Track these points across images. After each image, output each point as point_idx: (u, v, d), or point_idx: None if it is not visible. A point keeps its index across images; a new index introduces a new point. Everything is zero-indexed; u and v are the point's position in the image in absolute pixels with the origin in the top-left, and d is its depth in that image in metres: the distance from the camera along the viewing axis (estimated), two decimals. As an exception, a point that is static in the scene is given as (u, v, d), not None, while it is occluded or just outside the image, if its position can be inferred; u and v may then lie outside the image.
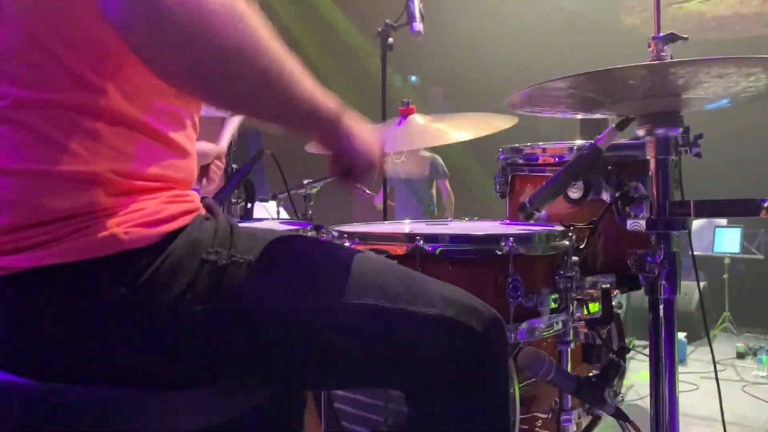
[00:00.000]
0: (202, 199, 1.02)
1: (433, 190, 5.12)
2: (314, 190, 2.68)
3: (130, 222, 0.84)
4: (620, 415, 1.50)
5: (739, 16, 1.34)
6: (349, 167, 0.99)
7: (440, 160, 4.98)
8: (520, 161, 1.84)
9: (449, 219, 2.02)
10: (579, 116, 1.46)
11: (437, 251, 1.37)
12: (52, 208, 0.81)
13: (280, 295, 0.89)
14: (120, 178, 0.85)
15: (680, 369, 1.45)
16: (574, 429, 1.57)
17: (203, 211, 0.97)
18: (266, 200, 2.99)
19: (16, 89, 0.82)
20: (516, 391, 1.39)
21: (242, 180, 2.04)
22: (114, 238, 0.82)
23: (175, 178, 0.93)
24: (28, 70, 0.83)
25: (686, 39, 1.24)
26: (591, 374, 1.50)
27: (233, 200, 2.18)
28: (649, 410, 1.24)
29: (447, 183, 5.04)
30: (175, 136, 0.93)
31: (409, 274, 0.99)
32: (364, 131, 0.99)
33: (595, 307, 1.61)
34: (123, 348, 0.84)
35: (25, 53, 0.82)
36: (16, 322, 0.82)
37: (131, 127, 0.86)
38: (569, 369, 1.52)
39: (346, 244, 1.47)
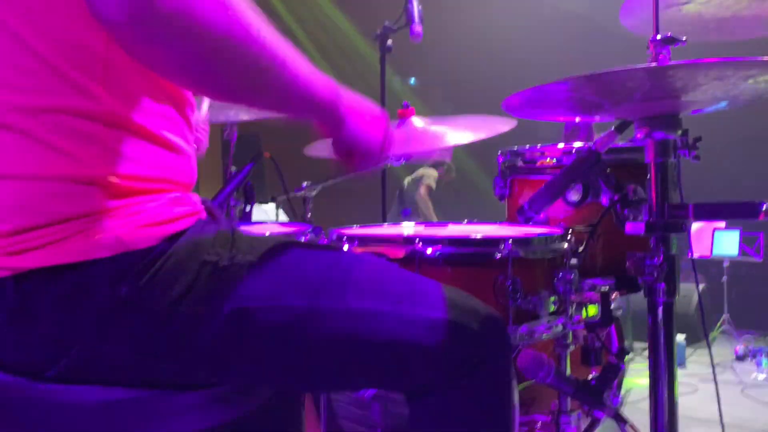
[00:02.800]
0: (203, 201, 1.02)
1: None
2: (313, 193, 2.68)
3: (131, 224, 0.84)
4: (619, 418, 1.50)
5: (738, 18, 1.34)
6: (350, 150, 0.99)
7: (430, 174, 5.16)
8: (520, 163, 1.84)
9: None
10: (578, 119, 1.46)
11: (436, 254, 1.37)
12: (53, 211, 0.82)
13: (281, 298, 0.89)
14: (119, 180, 0.85)
15: (679, 371, 1.45)
16: (574, 431, 1.57)
17: (203, 215, 0.97)
18: (265, 203, 2.99)
19: (11, 95, 0.82)
20: (515, 393, 1.39)
21: (241, 182, 2.04)
22: (115, 240, 0.82)
23: (174, 180, 0.93)
24: (22, 77, 0.82)
25: (684, 42, 1.24)
26: (590, 376, 1.50)
27: (232, 203, 2.18)
28: (648, 413, 1.24)
29: (425, 188, 5.22)
30: (171, 137, 0.92)
31: (410, 277, 0.99)
32: (364, 112, 0.98)
33: (594, 310, 1.61)
34: (122, 349, 0.84)
35: (18, 60, 0.82)
36: (17, 322, 0.82)
37: (127, 129, 0.86)
38: (568, 371, 1.52)
39: (346, 246, 1.47)
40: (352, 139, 0.97)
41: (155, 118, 0.90)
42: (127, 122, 0.86)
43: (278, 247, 0.95)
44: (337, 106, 0.94)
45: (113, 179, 0.84)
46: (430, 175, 5.31)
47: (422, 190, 5.26)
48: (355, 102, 0.98)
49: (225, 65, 0.81)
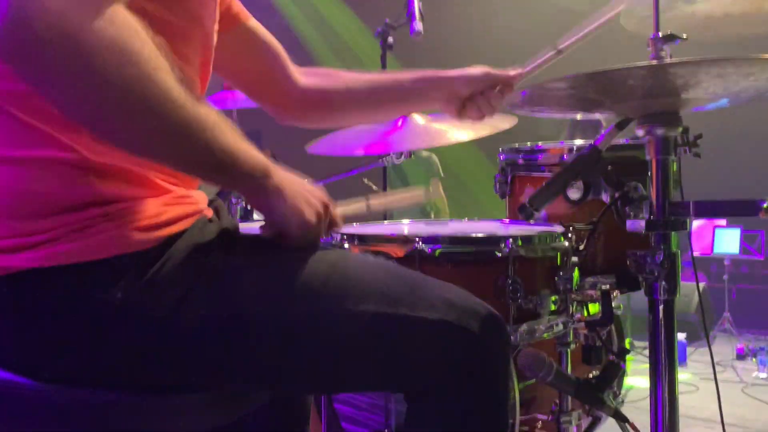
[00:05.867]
0: (211, 202, 1.01)
1: (430, 190, 5.05)
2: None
3: (130, 224, 0.83)
4: (620, 417, 1.50)
5: (729, 16, 1.33)
6: (280, 228, 0.94)
7: (436, 159, 4.93)
8: (520, 161, 1.84)
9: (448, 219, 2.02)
10: (578, 116, 1.46)
11: (436, 253, 1.37)
12: (50, 200, 0.81)
13: (279, 303, 0.88)
14: (117, 175, 0.84)
15: (680, 370, 1.44)
16: (574, 430, 1.57)
17: (209, 213, 0.96)
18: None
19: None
20: (516, 392, 1.39)
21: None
22: (112, 241, 0.82)
23: (178, 177, 0.92)
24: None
25: (685, 39, 1.24)
26: (591, 375, 1.50)
27: (233, 200, 2.18)
28: (648, 412, 1.24)
29: (439, 184, 4.98)
30: None
31: (410, 276, 0.98)
32: (298, 191, 0.93)
33: (594, 308, 1.61)
34: (119, 351, 0.83)
35: None
36: (14, 322, 0.82)
37: None
38: (569, 370, 1.52)
39: (346, 245, 1.46)
40: (280, 216, 0.92)
41: None
42: None
43: (278, 250, 0.94)
44: (266, 179, 0.89)
45: (110, 174, 0.84)
46: (436, 162, 4.98)
47: (439, 188, 4.95)
48: (290, 183, 0.93)
49: (123, 121, 0.76)
